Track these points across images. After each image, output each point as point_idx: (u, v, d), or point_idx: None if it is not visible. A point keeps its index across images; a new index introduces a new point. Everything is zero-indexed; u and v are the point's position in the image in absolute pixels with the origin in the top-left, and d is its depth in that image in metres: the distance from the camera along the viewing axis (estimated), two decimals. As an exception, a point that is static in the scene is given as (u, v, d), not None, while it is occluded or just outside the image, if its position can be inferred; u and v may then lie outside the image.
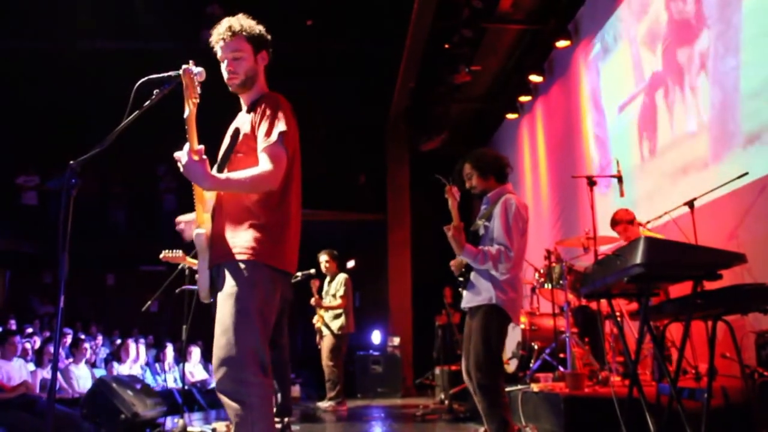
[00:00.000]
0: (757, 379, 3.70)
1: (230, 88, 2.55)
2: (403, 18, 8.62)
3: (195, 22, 9.74)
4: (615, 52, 7.06)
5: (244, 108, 2.59)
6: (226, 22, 2.49)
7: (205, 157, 2.29)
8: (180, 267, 5.12)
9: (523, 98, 9.47)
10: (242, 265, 2.32)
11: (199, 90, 2.28)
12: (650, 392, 3.22)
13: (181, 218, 2.61)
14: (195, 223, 2.48)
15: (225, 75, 2.52)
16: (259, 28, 2.54)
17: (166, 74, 2.29)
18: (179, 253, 4.89)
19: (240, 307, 2.27)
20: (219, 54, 2.51)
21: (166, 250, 4.91)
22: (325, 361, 7.38)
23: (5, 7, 9.68)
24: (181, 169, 2.29)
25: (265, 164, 2.34)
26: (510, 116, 10.27)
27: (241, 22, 2.50)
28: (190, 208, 2.55)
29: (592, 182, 4.56)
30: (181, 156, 2.29)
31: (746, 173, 4.40)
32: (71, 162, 2.14)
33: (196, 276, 4.77)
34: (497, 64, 9.72)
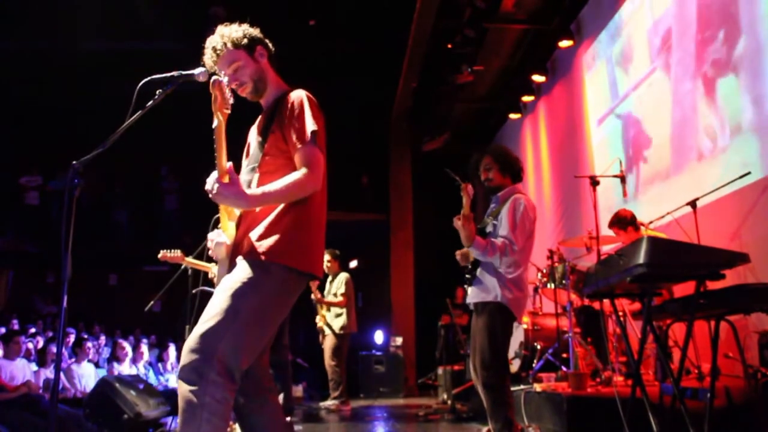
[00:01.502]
0: (760, 378, 3.69)
1: (249, 99, 2.50)
2: (406, 18, 8.62)
3: (198, 22, 9.75)
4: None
5: (265, 109, 2.52)
6: (209, 44, 2.44)
7: (235, 176, 2.21)
8: (182, 267, 5.12)
9: (526, 98, 9.47)
10: (252, 263, 2.23)
11: (231, 100, 2.21)
12: (653, 392, 3.22)
13: (211, 236, 2.47)
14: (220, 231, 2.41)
15: (237, 90, 2.45)
16: (241, 30, 2.46)
17: (168, 74, 2.27)
18: (178, 252, 4.89)
19: (231, 305, 2.15)
20: (221, 75, 2.43)
21: (165, 250, 4.91)
22: (328, 360, 7.39)
23: (7, 7, 9.70)
24: (213, 197, 2.19)
25: (302, 168, 2.28)
26: (513, 116, 10.27)
27: (222, 33, 2.44)
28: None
29: (594, 182, 4.56)
30: (211, 185, 2.18)
31: (749, 173, 4.39)
32: (74, 162, 2.13)
33: (211, 275, 4.74)
34: (500, 63, 9.72)
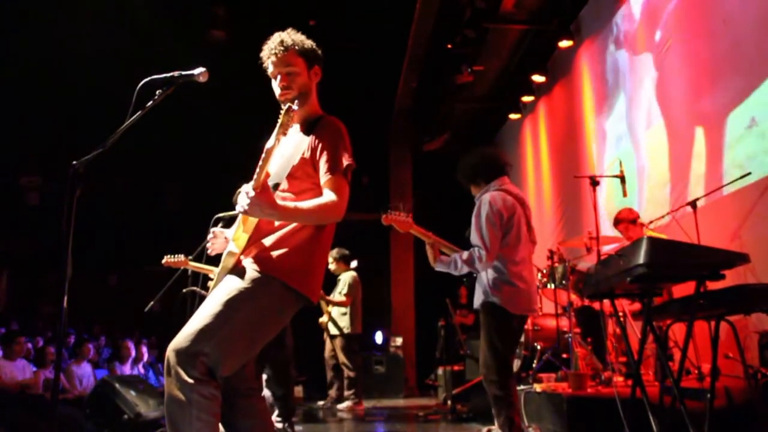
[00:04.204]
0: (760, 379, 3.70)
1: (282, 105, 2.40)
2: (406, 18, 8.62)
3: (199, 22, 9.74)
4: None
5: (296, 126, 2.47)
6: (277, 36, 2.43)
7: (269, 187, 2.17)
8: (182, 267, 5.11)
9: (526, 98, 9.45)
10: (254, 272, 2.22)
11: (293, 125, 2.24)
12: (653, 392, 3.22)
13: (216, 231, 2.48)
14: (230, 239, 2.36)
15: (277, 91, 2.43)
16: (309, 43, 2.50)
17: (168, 75, 2.27)
18: (181, 257, 4.88)
19: (223, 311, 2.15)
20: (270, 70, 2.44)
21: (168, 255, 4.90)
22: (342, 360, 7.41)
23: (7, 7, 9.69)
24: (245, 206, 2.10)
25: (331, 195, 2.26)
26: (513, 116, 10.25)
27: (293, 36, 2.45)
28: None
29: (594, 182, 4.55)
30: (245, 195, 2.11)
31: (749, 173, 4.39)
32: (74, 162, 2.13)
33: (212, 274, 4.74)
34: (500, 64, 9.70)
